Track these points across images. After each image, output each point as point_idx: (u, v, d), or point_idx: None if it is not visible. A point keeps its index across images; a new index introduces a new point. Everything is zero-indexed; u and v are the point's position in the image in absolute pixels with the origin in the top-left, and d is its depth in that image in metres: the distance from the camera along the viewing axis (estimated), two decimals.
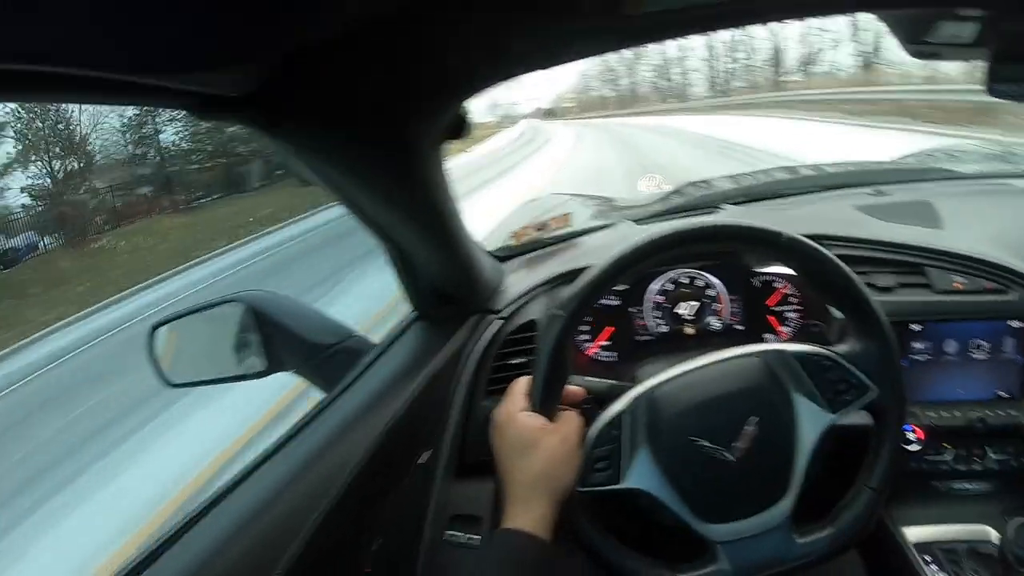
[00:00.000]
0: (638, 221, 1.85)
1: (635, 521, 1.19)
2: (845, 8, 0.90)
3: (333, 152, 0.94)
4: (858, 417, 1.10)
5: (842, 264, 1.10)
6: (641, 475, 1.07)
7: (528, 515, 1.00)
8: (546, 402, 1.11)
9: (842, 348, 1.12)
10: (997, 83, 1.03)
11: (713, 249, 1.34)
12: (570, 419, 1.09)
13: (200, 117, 0.78)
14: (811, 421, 1.08)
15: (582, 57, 0.95)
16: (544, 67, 0.92)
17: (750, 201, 1.92)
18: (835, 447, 1.13)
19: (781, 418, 1.08)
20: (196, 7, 0.55)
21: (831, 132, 15.25)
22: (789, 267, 1.17)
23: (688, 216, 1.83)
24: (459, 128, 0.99)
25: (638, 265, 1.13)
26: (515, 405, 1.10)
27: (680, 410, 1.10)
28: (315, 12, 0.65)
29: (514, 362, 1.45)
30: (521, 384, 1.13)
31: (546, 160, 21.20)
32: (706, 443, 1.06)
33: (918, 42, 1.09)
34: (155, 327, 1.36)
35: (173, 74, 0.64)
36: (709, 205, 1.88)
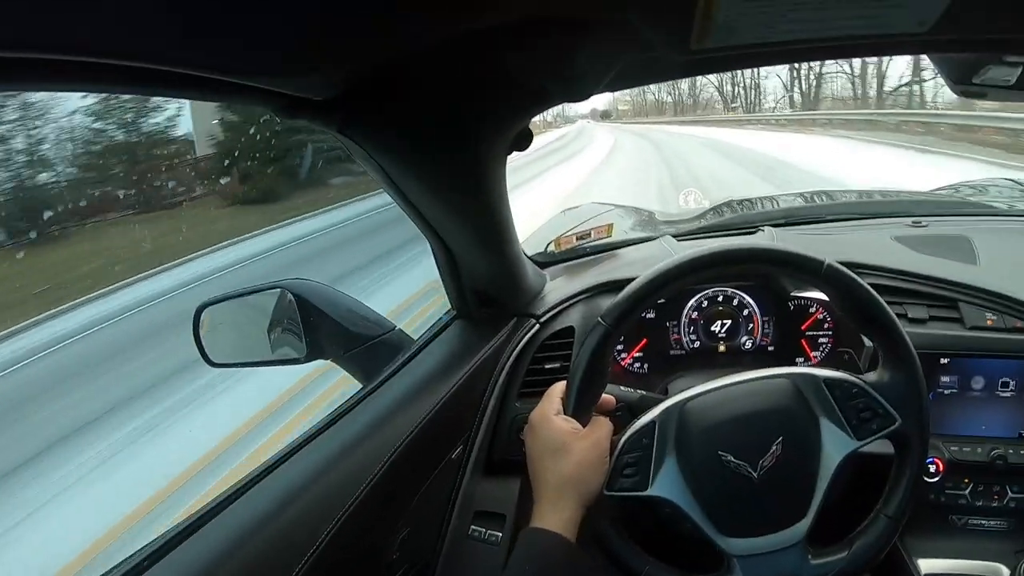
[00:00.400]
0: (679, 237, 1.87)
1: (656, 528, 1.21)
2: (897, 51, 0.92)
3: (403, 157, 0.98)
4: (881, 445, 1.11)
5: (877, 296, 1.12)
6: (667, 484, 1.10)
7: (556, 516, 1.03)
8: (580, 407, 1.13)
9: (871, 377, 1.13)
10: None
11: (754, 271, 1.36)
12: (602, 425, 1.12)
13: (282, 117, 0.82)
14: (835, 446, 1.09)
15: (644, 84, 0.99)
16: (608, 90, 0.96)
17: (790, 224, 1.93)
18: (856, 473, 1.15)
19: (806, 440, 1.10)
20: (289, 17, 0.58)
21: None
22: (826, 294, 1.18)
23: (729, 235, 1.85)
24: (523, 141, 1.02)
25: (681, 281, 1.15)
26: (551, 407, 1.12)
27: (710, 424, 1.12)
28: (399, 30, 0.69)
29: (549, 366, 1.48)
30: (558, 388, 1.15)
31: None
32: (732, 458, 1.08)
33: (964, 83, 1.11)
34: (201, 308, 1.39)
35: (263, 76, 0.68)
36: (750, 225, 1.89)
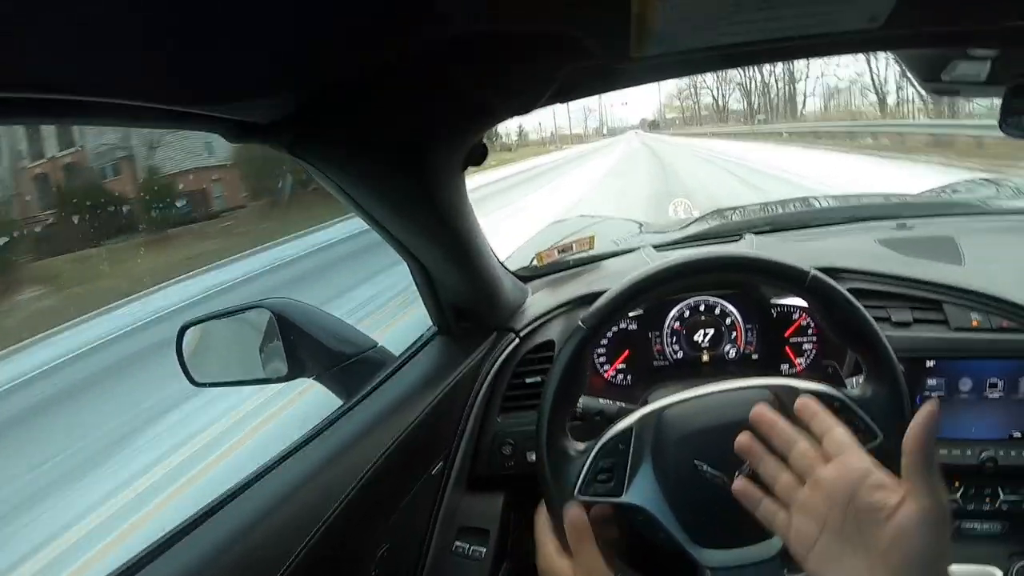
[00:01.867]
0: (659, 247, 1.87)
1: (629, 536, 1.20)
2: (857, 48, 0.92)
3: (357, 176, 0.98)
4: None
5: (862, 309, 1.10)
6: (641, 491, 1.09)
7: None
8: (557, 413, 1.13)
9: (853, 392, 1.12)
10: (1010, 120, 1.05)
11: (736, 280, 1.36)
12: (591, 557, 1.07)
13: (231, 140, 0.82)
14: None
15: (593, 94, 0.99)
16: (555, 103, 0.96)
17: (774, 231, 1.93)
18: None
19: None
20: (230, 44, 0.59)
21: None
22: (810, 305, 1.18)
23: (710, 244, 1.85)
24: (478, 155, 1.02)
25: (663, 287, 1.15)
26: (546, 548, 1.11)
27: (687, 432, 1.11)
28: (342, 51, 0.69)
29: (530, 380, 1.48)
30: (542, 520, 1.14)
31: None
32: (708, 468, 1.07)
33: (934, 80, 1.10)
34: (184, 328, 1.39)
35: (208, 104, 0.68)
36: (732, 233, 1.89)
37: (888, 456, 1.09)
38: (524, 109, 0.90)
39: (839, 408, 1.09)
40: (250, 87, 0.69)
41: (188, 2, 0.51)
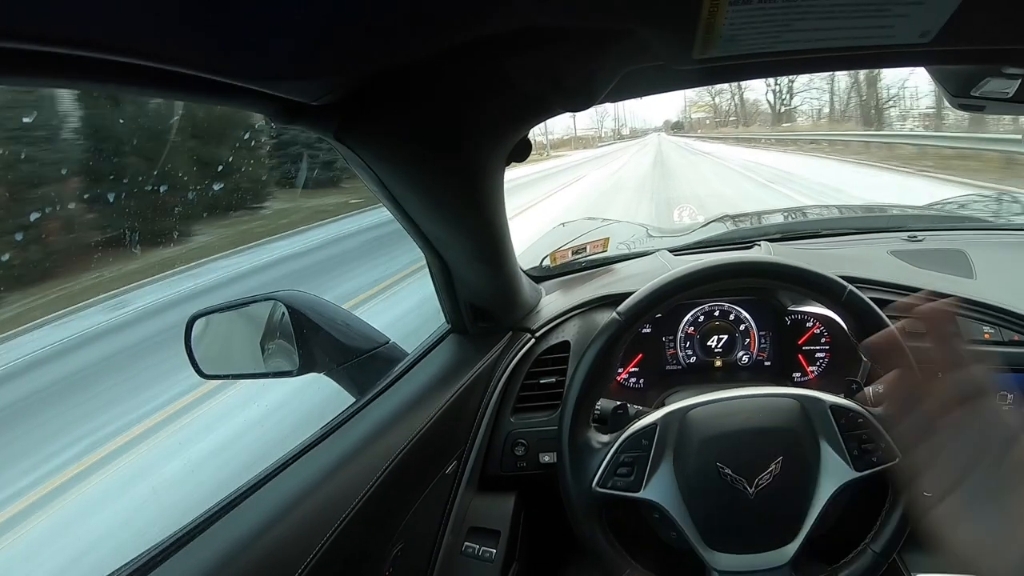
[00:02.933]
0: (675, 251, 1.87)
1: (641, 532, 1.20)
2: (898, 62, 0.92)
3: (398, 165, 0.97)
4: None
5: (895, 329, 1.11)
6: (660, 488, 1.10)
7: None
8: (584, 402, 1.15)
9: (877, 410, 1.13)
10: None
11: (770, 286, 1.36)
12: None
13: (278, 122, 0.80)
14: (833, 473, 1.10)
15: (648, 94, 0.99)
16: (610, 101, 0.95)
17: (785, 239, 1.93)
18: (851, 501, 1.14)
19: (805, 463, 1.10)
20: (285, 17, 0.57)
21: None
22: (843, 320, 1.18)
23: (724, 250, 1.85)
24: (523, 151, 1.02)
25: (701, 287, 1.17)
26: None
27: (712, 434, 1.12)
28: (399, 36, 0.68)
29: (544, 381, 1.47)
30: None
31: None
32: (730, 471, 1.08)
33: (963, 96, 1.10)
34: (193, 318, 1.37)
35: (259, 79, 0.67)
36: (746, 240, 1.89)
37: (907, 478, 1.10)
38: (580, 106, 0.89)
39: (862, 425, 1.09)
40: (303, 66, 0.68)
41: None
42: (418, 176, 1.01)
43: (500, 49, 0.76)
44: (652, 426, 1.14)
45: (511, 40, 0.74)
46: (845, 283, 1.13)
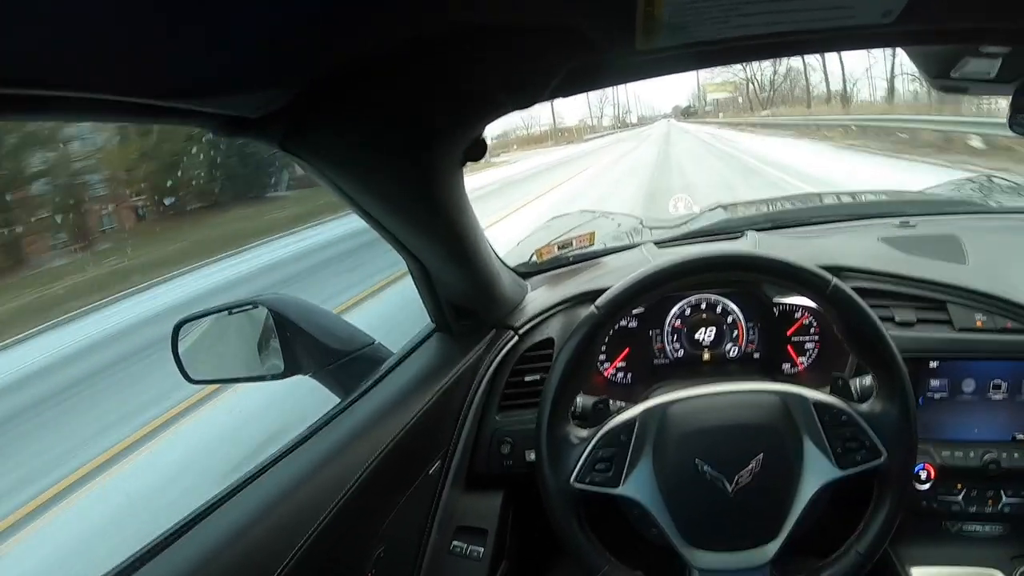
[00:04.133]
0: (660, 244, 1.85)
1: (621, 528, 1.19)
2: (869, 43, 0.90)
3: (353, 171, 0.97)
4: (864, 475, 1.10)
5: (881, 325, 1.10)
6: (638, 485, 1.09)
7: None
8: (562, 397, 1.14)
9: (862, 407, 1.12)
10: (1019, 119, 1.03)
11: (755, 280, 1.35)
12: None
13: (221, 136, 0.80)
14: (815, 472, 1.08)
15: (598, 87, 0.97)
16: (559, 96, 0.94)
17: (775, 228, 1.91)
18: (833, 501, 1.14)
19: (787, 461, 1.09)
20: (218, 35, 0.57)
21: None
22: (828, 315, 1.17)
23: (711, 241, 1.84)
24: (478, 150, 1.01)
25: (677, 281, 1.15)
26: None
27: (691, 430, 1.11)
28: (337, 42, 0.67)
29: (529, 379, 1.47)
30: None
31: None
32: (709, 468, 1.07)
33: (943, 77, 1.09)
34: (179, 325, 1.38)
35: (197, 99, 0.66)
36: (734, 230, 1.87)
37: (890, 476, 1.09)
38: (527, 103, 0.89)
39: (846, 422, 1.08)
40: (240, 80, 0.67)
41: None
42: (375, 181, 1.00)
43: (442, 50, 0.75)
44: (631, 421, 1.13)
45: (451, 39, 0.73)
46: (829, 276, 1.11)
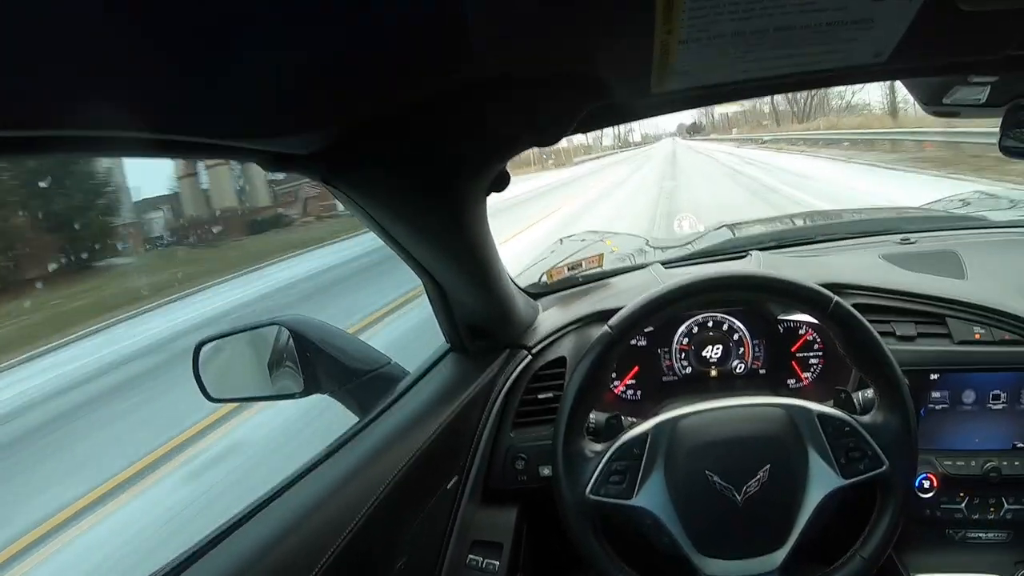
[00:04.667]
0: (667, 264, 1.89)
1: (634, 538, 1.23)
2: (865, 79, 0.94)
3: (386, 203, 1.01)
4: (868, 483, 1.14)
5: (880, 340, 1.14)
6: (651, 496, 1.13)
7: None
8: (577, 412, 1.18)
9: (865, 418, 1.16)
10: (1009, 140, 1.07)
11: (758, 299, 1.39)
12: None
13: (269, 170, 0.85)
14: (820, 481, 1.12)
15: (612, 124, 1.02)
16: (578, 132, 0.98)
17: (779, 247, 1.95)
18: (838, 509, 1.17)
19: (793, 471, 1.13)
20: (272, 81, 0.61)
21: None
22: (831, 331, 1.21)
23: (717, 261, 1.87)
24: (501, 182, 1.05)
25: (686, 301, 1.20)
26: None
27: (700, 443, 1.15)
28: (379, 90, 0.72)
29: (542, 396, 1.50)
30: None
31: None
32: (718, 479, 1.11)
33: (936, 104, 1.13)
34: (200, 344, 1.41)
35: (251, 138, 0.71)
36: (739, 250, 1.91)
37: (892, 484, 1.12)
38: (549, 141, 0.92)
39: (849, 433, 1.12)
40: (290, 123, 0.72)
41: (232, 42, 0.53)
42: (405, 211, 1.04)
43: (472, 96, 0.79)
44: (643, 435, 1.17)
45: (479, 87, 0.77)
46: (831, 295, 1.14)
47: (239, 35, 0.53)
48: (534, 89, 0.80)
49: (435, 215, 1.06)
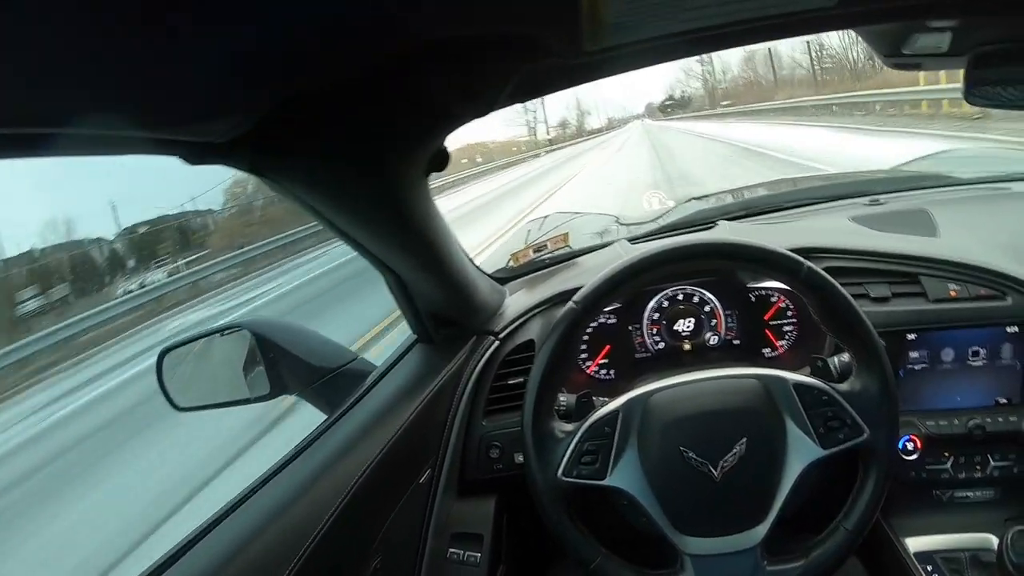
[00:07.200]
0: (634, 240, 1.87)
1: (612, 520, 1.21)
2: (817, 27, 0.91)
3: (322, 189, 0.97)
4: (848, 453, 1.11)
5: (855, 304, 1.12)
6: (625, 475, 1.11)
7: None
8: (545, 393, 1.15)
9: (842, 386, 1.14)
10: (974, 90, 1.05)
11: (729, 267, 1.36)
12: None
13: (191, 162, 0.80)
14: (799, 452, 1.10)
15: (553, 91, 0.99)
16: (517, 101, 0.96)
17: (748, 215, 1.94)
18: (820, 479, 1.15)
19: (771, 444, 1.11)
20: (182, 66, 0.58)
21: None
22: (805, 298, 1.19)
23: (685, 233, 1.85)
24: (440, 160, 1.02)
25: (652, 272, 1.17)
26: None
27: (673, 418, 1.12)
28: (297, 68, 0.68)
29: (513, 382, 1.47)
30: None
31: None
32: (694, 455, 1.08)
33: (895, 55, 1.10)
34: (164, 353, 1.38)
35: (166, 128, 0.67)
36: (707, 221, 1.89)
37: (873, 452, 1.10)
38: (483, 111, 0.90)
39: (827, 402, 1.10)
40: (207, 108, 0.68)
41: (135, 26, 0.50)
42: (343, 197, 1.01)
43: (399, 68, 0.76)
44: (614, 413, 1.15)
45: (406, 57, 0.74)
46: (802, 260, 1.12)
47: (142, 19, 0.49)
48: (460, 54, 0.77)
49: (375, 200, 1.03)
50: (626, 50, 0.78)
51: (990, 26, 0.98)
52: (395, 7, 0.60)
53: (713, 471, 1.08)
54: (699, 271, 1.58)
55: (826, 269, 1.13)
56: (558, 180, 21.54)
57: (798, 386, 1.13)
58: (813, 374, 1.19)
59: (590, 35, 0.70)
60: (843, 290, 1.12)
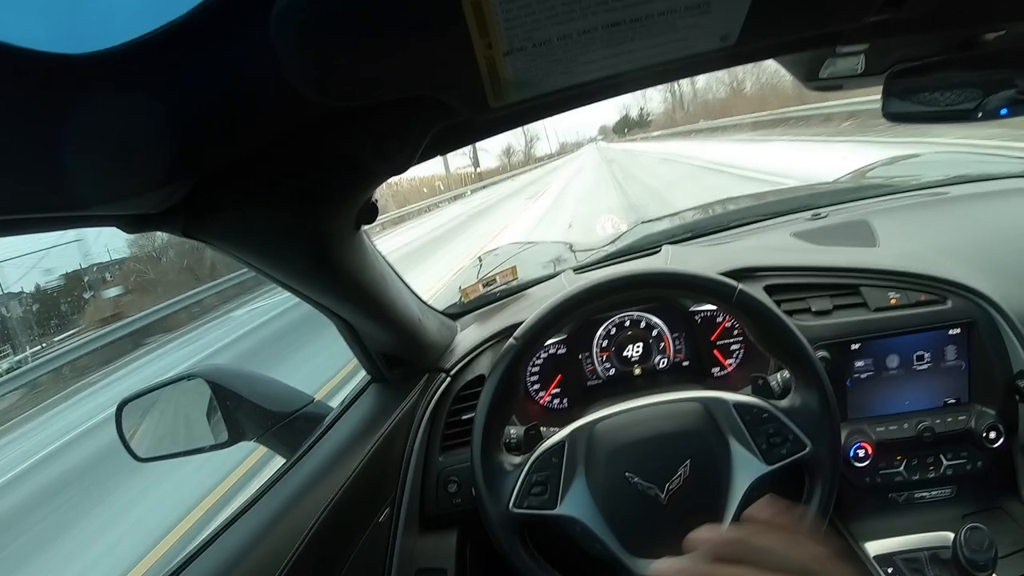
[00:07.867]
0: (579, 269, 1.90)
1: (566, 548, 1.22)
2: (722, 64, 0.93)
3: (256, 248, 0.98)
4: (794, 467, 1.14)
5: (788, 322, 1.15)
6: (575, 503, 1.12)
7: None
8: (491, 427, 1.17)
9: (782, 403, 1.17)
10: (891, 107, 1.08)
11: (665, 296, 1.38)
12: None
13: (127, 231, 0.82)
14: (745, 469, 1.12)
15: (467, 144, 1.01)
16: (433, 156, 0.98)
17: (693, 238, 1.97)
18: (772, 490, 1.17)
19: (715, 464, 1.13)
20: (113, 148, 0.59)
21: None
22: (738, 321, 1.21)
23: (630, 260, 1.88)
24: (370, 213, 1.04)
25: (588, 305, 1.18)
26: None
27: (618, 445, 1.15)
28: (217, 141, 0.70)
29: (466, 417, 1.49)
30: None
31: None
32: (639, 480, 1.10)
33: (815, 79, 1.14)
34: (122, 405, 1.38)
35: (99, 205, 0.69)
36: (652, 246, 1.92)
37: (817, 466, 1.13)
38: (401, 168, 0.91)
39: (768, 419, 1.12)
40: (139, 185, 0.69)
41: (64, 118, 0.51)
42: (278, 254, 1.02)
43: (314, 132, 0.78)
44: (560, 444, 1.17)
45: (322, 123, 0.76)
46: (733, 284, 1.15)
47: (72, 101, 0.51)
48: (372, 118, 0.79)
49: (311, 254, 1.04)
50: (531, 103, 0.79)
51: (900, 47, 1.01)
52: (301, 84, 0.62)
53: (660, 494, 1.11)
54: (638, 299, 1.61)
55: (767, 287, 1.16)
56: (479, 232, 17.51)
57: (738, 406, 1.16)
58: (754, 393, 1.22)
59: (493, 95, 0.72)
60: (776, 310, 1.15)
